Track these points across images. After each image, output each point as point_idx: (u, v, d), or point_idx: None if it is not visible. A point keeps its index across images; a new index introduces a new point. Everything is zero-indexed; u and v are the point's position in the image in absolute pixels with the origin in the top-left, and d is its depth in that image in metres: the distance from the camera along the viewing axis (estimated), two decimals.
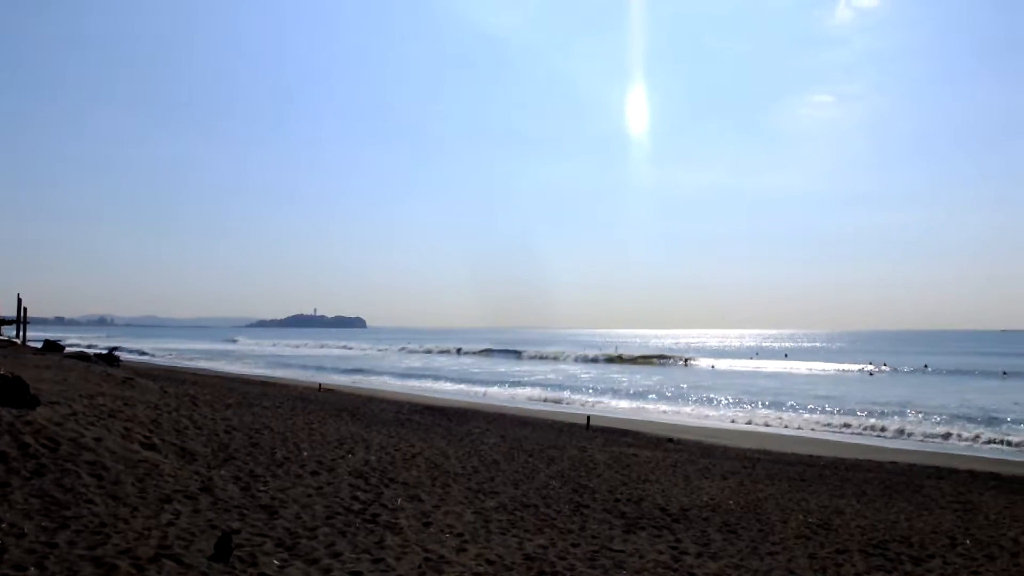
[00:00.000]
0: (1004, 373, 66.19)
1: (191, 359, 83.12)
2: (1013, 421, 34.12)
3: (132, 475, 9.49)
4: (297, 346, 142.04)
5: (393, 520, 9.51)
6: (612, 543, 9.82)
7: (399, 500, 10.70)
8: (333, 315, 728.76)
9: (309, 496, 10.14)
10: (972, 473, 19.87)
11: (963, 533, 12.05)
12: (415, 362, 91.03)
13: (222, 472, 10.71)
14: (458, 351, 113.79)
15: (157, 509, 8.34)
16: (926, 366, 73.06)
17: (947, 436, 29.36)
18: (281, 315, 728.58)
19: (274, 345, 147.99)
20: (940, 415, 36.45)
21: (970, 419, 34.96)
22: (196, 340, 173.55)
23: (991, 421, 34.11)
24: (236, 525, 8.21)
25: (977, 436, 29.16)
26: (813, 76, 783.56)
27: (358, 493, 10.77)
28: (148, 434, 12.01)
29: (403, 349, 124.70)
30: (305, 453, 13.26)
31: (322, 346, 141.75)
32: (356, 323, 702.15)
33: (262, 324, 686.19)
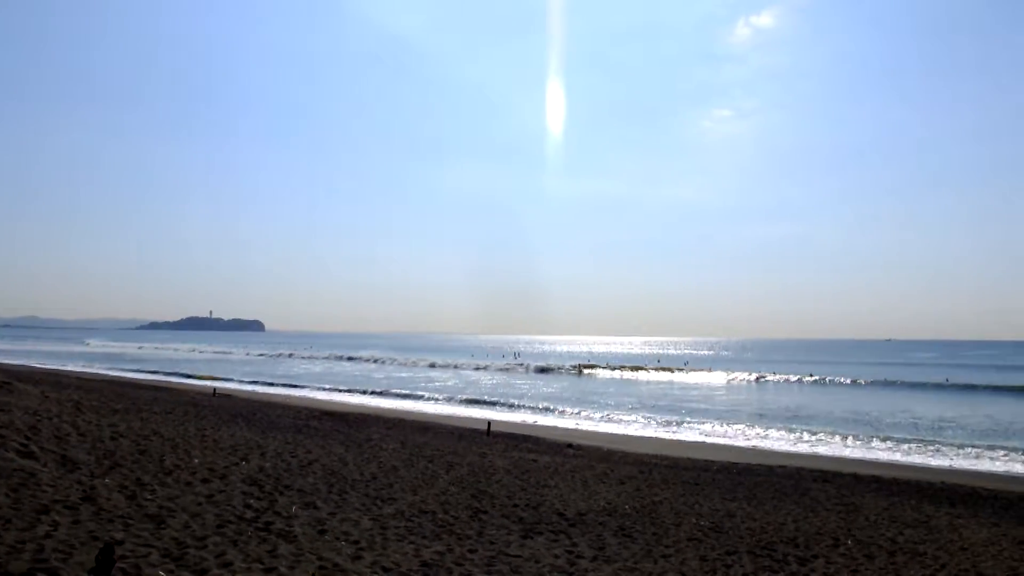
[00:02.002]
0: (886, 381, 69.88)
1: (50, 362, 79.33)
2: (894, 427, 36.06)
3: (6, 485, 8.97)
4: (140, 347, 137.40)
5: (287, 528, 9.29)
6: (509, 548, 9.86)
7: (294, 508, 10.46)
8: (230, 318, 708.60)
9: (199, 504, 9.80)
10: (855, 476, 20.87)
11: (845, 533, 12.64)
12: (315, 367, 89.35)
13: (106, 480, 10.25)
14: (365, 358, 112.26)
15: (33, 521, 7.90)
16: (811, 374, 76.17)
17: (833, 441, 30.84)
18: (174, 317, 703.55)
19: (135, 347, 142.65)
20: (826, 421, 38.21)
21: (855, 424, 36.79)
22: (43, 342, 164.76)
23: (874, 427, 35.96)
24: (120, 536, 7.86)
25: (861, 441, 30.73)
26: (714, 90, 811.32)
27: (251, 501, 10.48)
28: (25, 441, 11.38)
29: (305, 356, 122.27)
30: (196, 460, 12.82)
31: (169, 348, 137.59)
32: (254, 326, 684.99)
33: (154, 326, 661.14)
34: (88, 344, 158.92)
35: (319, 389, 54.23)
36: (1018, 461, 26.27)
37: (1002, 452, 28.10)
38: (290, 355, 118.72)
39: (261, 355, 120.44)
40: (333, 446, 17.94)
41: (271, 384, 58.06)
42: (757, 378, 74.19)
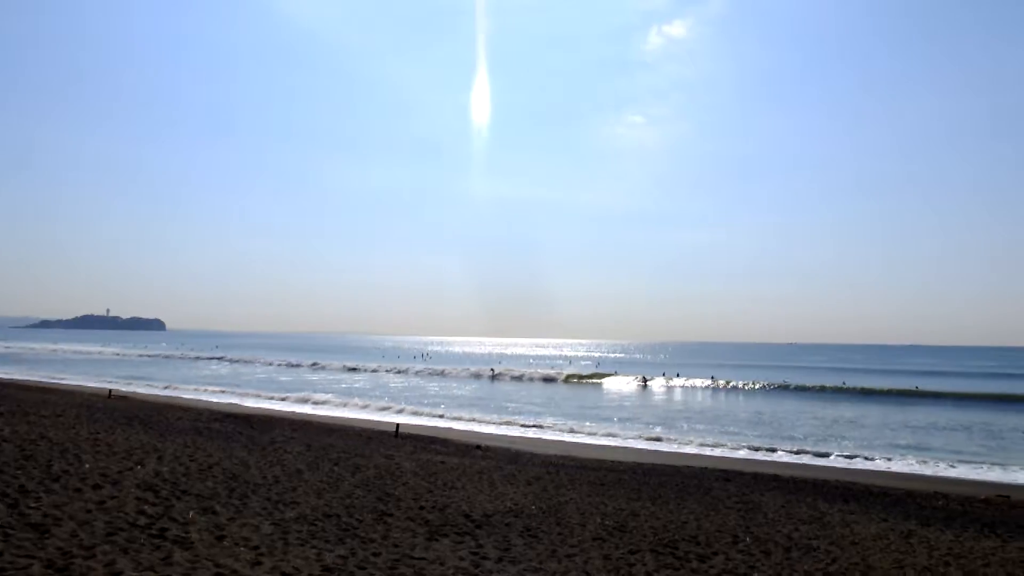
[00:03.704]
0: (787, 384, 72.30)
1: None
2: (794, 428, 37.41)
3: None
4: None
5: (183, 534, 8.97)
6: (414, 551, 9.77)
7: (191, 513, 10.11)
8: (128, 316, 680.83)
9: (89, 512, 9.37)
10: (756, 475, 21.54)
11: (744, 531, 13.00)
12: (221, 368, 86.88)
13: None
14: (272, 361, 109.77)
15: None
16: (713, 377, 78.11)
17: (737, 442, 31.78)
18: (68, 315, 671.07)
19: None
20: (731, 422, 39.35)
21: (758, 426, 38.02)
22: None
23: (776, 428, 37.23)
24: None
25: (763, 442, 31.78)
26: (628, 97, 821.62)
27: (145, 507, 10.07)
28: None
29: (207, 356, 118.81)
30: (87, 465, 12.26)
31: (31, 348, 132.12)
32: (154, 325, 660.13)
33: (45, 324, 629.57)
34: None
35: (222, 391, 52.72)
36: (906, 460, 27.62)
37: (892, 452, 29.51)
38: (185, 356, 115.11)
39: (160, 355, 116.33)
40: (235, 449, 17.46)
41: (171, 385, 56.12)
42: (648, 381, 75.24)
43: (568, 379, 77.99)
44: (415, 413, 41.31)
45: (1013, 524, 15.46)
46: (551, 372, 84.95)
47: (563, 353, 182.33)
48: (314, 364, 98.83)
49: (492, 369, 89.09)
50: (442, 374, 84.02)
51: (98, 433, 16.87)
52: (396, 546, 9.94)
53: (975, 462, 27.25)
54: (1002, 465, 26.54)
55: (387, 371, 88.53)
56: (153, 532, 8.89)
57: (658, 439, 32.18)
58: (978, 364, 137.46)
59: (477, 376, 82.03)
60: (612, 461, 23.72)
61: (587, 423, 37.86)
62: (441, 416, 40.27)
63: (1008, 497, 19.46)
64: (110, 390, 41.05)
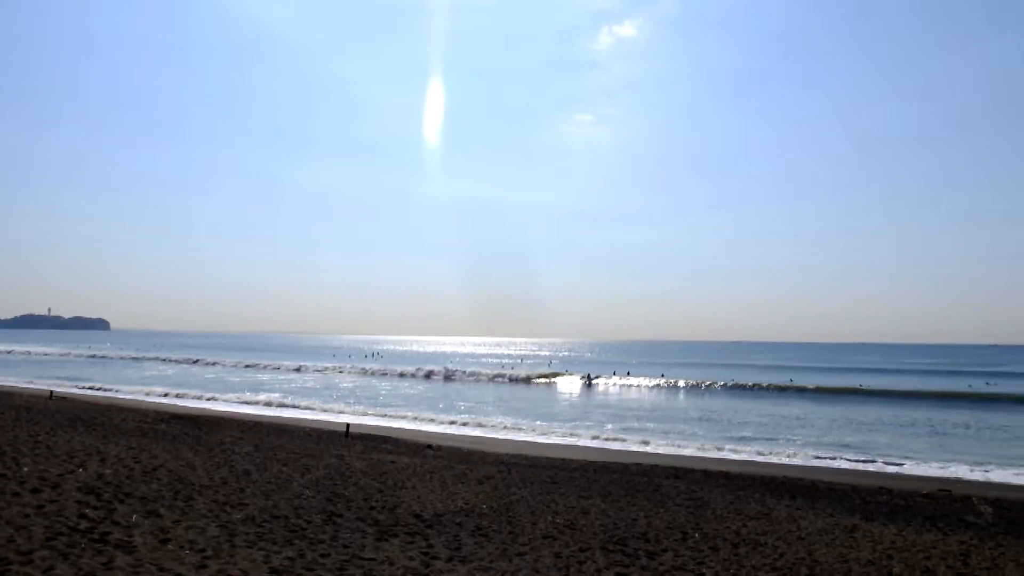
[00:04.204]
0: (735, 383, 73.29)
1: None
2: (743, 426, 38.02)
3: None
4: None
5: (126, 538, 8.77)
6: (363, 551, 9.69)
7: (134, 516, 9.88)
8: (71, 316, 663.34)
9: (27, 516, 9.10)
10: (705, 472, 21.82)
11: (693, 527, 13.17)
12: (168, 368, 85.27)
13: None
14: (221, 361, 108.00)
15: None
16: (663, 375, 78.87)
17: (686, 440, 32.17)
18: (7, 315, 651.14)
19: None
20: (680, 421, 39.85)
21: (707, 424, 38.54)
22: None
23: (725, 426, 37.79)
24: None
25: (712, 439, 32.21)
26: (577, 96, 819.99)
27: (87, 511, 9.83)
28: None
29: (155, 356, 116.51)
30: (26, 468, 11.92)
31: None
32: (98, 325, 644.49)
33: None
34: None
35: (168, 391, 51.70)
36: (851, 456, 28.21)
37: (838, 448, 30.12)
38: (130, 356, 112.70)
39: (105, 355, 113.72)
40: (181, 450, 17.14)
41: (115, 386, 54.85)
42: (594, 380, 75.54)
43: (519, 378, 78.08)
44: (366, 413, 41.01)
45: (954, 518, 15.93)
46: (503, 371, 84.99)
47: (517, 352, 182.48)
48: (264, 364, 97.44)
49: (445, 368, 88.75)
50: (394, 374, 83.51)
51: (38, 435, 16.43)
52: (345, 547, 9.86)
53: (918, 458, 27.94)
54: (944, 461, 27.26)
55: (338, 370, 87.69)
56: (95, 536, 8.68)
57: (608, 437, 32.40)
58: (922, 362, 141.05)
59: (429, 375, 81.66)
60: (562, 459, 23.82)
61: (538, 422, 38.01)
62: (392, 416, 40.04)
63: (949, 492, 20.00)
64: (51, 391, 39.95)
